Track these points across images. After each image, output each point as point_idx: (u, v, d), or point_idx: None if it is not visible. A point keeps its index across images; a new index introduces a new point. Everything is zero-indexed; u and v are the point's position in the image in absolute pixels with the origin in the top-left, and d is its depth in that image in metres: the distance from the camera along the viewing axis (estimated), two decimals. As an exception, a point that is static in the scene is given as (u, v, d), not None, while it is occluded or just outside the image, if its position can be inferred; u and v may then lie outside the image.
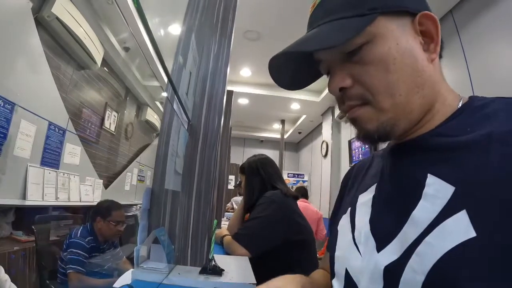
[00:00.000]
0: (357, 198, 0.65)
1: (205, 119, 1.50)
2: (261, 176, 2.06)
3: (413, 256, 0.45)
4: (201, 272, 1.27)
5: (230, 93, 4.24)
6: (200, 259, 1.40)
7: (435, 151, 0.51)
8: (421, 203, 0.48)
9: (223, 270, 1.29)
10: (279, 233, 1.79)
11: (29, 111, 3.13)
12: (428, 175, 0.49)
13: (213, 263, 1.31)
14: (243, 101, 7.66)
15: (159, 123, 7.66)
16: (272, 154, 2.42)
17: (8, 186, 2.91)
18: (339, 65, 0.56)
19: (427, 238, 0.44)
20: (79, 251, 2.35)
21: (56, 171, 3.69)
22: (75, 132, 4.18)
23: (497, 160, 0.43)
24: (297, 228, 1.87)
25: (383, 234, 0.53)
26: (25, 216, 3.08)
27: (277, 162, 2.27)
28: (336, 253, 0.64)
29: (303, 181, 9.61)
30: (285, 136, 9.96)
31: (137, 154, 6.88)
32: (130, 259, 2.59)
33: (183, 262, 1.39)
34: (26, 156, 3.17)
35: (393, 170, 0.58)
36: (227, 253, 1.81)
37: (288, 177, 9.60)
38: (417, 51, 0.53)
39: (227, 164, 4.24)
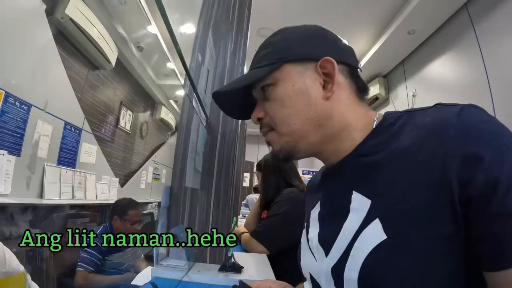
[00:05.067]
0: (310, 214, 0.78)
1: (223, 117, 1.50)
2: (277, 173, 2.05)
3: (349, 258, 0.56)
4: (220, 269, 1.28)
5: (244, 90, 4.24)
6: (219, 256, 1.40)
7: (355, 171, 0.63)
8: (349, 216, 0.59)
9: (242, 267, 1.29)
10: (297, 230, 1.77)
11: (45, 111, 3.17)
12: (353, 191, 0.60)
13: (233, 260, 1.31)
14: (256, 98, 7.65)
15: (173, 121, 7.71)
16: (287, 151, 2.40)
17: (25, 185, 2.95)
18: (260, 101, 0.73)
19: (356, 244, 0.55)
20: (93, 251, 2.39)
21: (72, 170, 3.74)
22: (91, 132, 4.23)
23: (397, 173, 0.54)
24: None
25: (327, 243, 0.64)
26: (42, 215, 3.12)
27: (292, 159, 2.24)
28: (302, 262, 0.76)
29: (317, 178, 9.51)
30: (299, 133, 9.90)
31: (152, 153, 6.95)
32: (148, 256, 2.61)
33: (203, 260, 1.40)
34: (43, 155, 3.21)
35: (328, 190, 0.72)
36: (245, 251, 1.80)
37: (303, 174, 9.46)
38: (312, 90, 0.66)
39: (242, 161, 4.25)
